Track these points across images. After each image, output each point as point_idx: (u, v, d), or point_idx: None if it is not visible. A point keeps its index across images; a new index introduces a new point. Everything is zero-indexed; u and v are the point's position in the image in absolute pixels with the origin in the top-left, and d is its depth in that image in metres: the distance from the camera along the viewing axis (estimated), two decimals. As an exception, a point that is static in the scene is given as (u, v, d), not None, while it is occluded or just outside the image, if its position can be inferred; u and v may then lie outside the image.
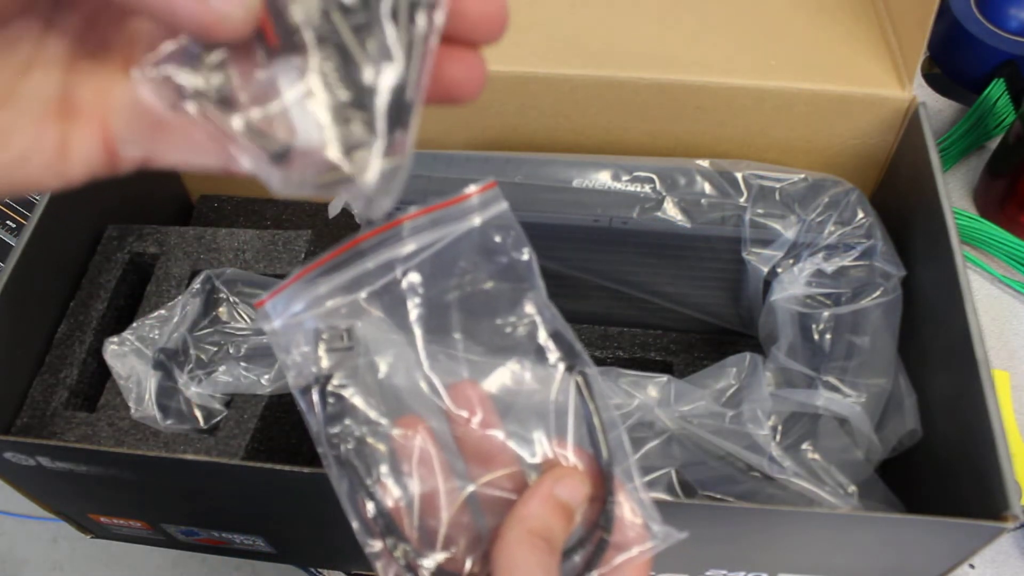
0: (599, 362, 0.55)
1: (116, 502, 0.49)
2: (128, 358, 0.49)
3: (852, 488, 0.43)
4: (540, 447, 0.29)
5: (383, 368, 0.29)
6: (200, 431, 0.48)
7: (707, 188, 0.48)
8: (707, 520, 0.41)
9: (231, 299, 0.52)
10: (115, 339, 0.50)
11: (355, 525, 0.28)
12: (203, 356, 0.50)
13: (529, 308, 0.30)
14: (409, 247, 0.28)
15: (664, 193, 0.48)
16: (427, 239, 0.29)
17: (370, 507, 0.28)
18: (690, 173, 0.48)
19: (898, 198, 0.52)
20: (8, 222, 0.70)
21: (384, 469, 0.28)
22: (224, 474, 0.42)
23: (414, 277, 0.29)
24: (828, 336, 0.47)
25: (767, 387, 0.45)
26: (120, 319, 0.53)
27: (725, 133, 0.53)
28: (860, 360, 0.45)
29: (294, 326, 0.28)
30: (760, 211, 0.47)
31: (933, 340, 0.46)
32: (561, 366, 0.30)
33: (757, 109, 0.51)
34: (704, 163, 0.49)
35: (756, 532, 0.41)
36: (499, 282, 0.30)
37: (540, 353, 0.30)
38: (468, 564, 0.28)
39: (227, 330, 0.51)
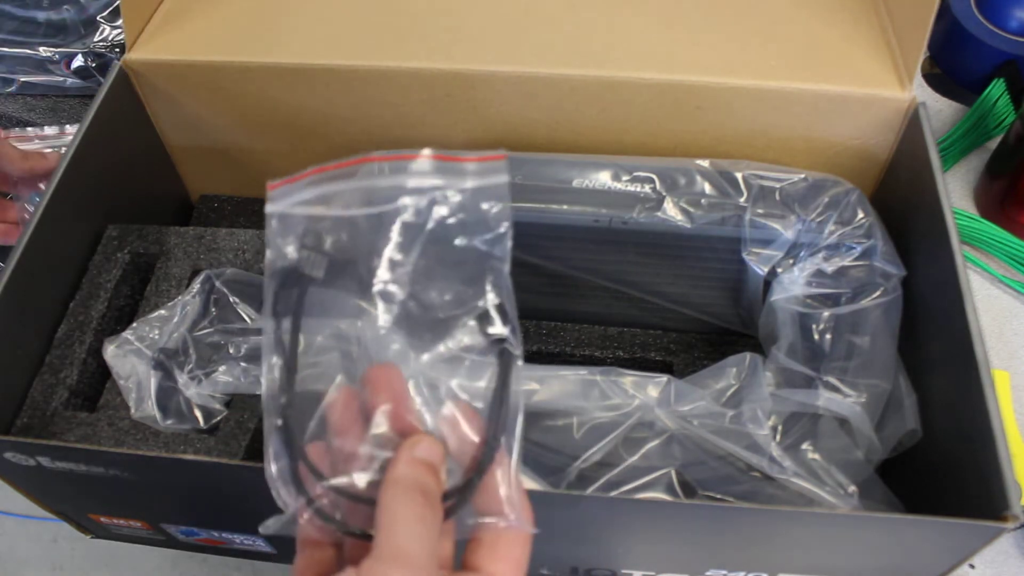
0: (599, 362, 0.55)
1: (116, 502, 0.49)
2: (128, 358, 0.49)
3: (852, 488, 0.43)
4: (444, 408, 0.31)
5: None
6: (200, 431, 0.48)
7: (707, 188, 0.48)
8: (707, 520, 0.41)
9: (231, 299, 0.52)
10: (115, 339, 0.50)
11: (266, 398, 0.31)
12: (203, 356, 0.50)
13: (488, 277, 0.31)
14: (412, 182, 0.30)
15: (664, 193, 0.48)
16: (427, 183, 0.30)
17: (284, 400, 0.30)
18: (690, 173, 0.48)
19: (898, 198, 0.52)
20: (8, 222, 0.70)
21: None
22: (224, 474, 0.42)
23: (407, 211, 0.30)
24: (828, 336, 0.47)
25: (767, 387, 0.45)
26: (120, 319, 0.53)
27: (725, 133, 0.53)
28: (860, 360, 0.45)
29: (288, 216, 0.31)
30: (760, 211, 0.47)
31: (933, 340, 0.46)
32: (493, 339, 0.31)
33: (757, 109, 0.51)
34: (704, 163, 0.49)
35: (756, 532, 0.41)
36: (470, 244, 0.31)
37: (481, 320, 0.32)
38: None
39: (227, 330, 0.51)
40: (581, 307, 0.55)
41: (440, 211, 0.30)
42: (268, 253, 0.31)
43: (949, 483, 0.43)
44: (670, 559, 0.45)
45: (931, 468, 0.45)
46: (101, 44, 0.74)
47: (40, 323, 0.50)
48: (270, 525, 0.31)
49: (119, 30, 0.75)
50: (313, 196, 0.30)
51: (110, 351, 0.49)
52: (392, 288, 0.31)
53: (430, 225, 0.31)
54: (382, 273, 0.31)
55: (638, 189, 0.48)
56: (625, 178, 0.48)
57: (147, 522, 0.51)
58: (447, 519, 0.30)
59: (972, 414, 0.40)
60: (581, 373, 0.46)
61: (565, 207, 0.48)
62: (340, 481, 0.30)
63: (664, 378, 0.46)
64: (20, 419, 0.48)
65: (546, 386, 0.46)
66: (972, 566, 0.54)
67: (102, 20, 0.76)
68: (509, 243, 0.31)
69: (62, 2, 0.76)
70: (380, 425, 0.30)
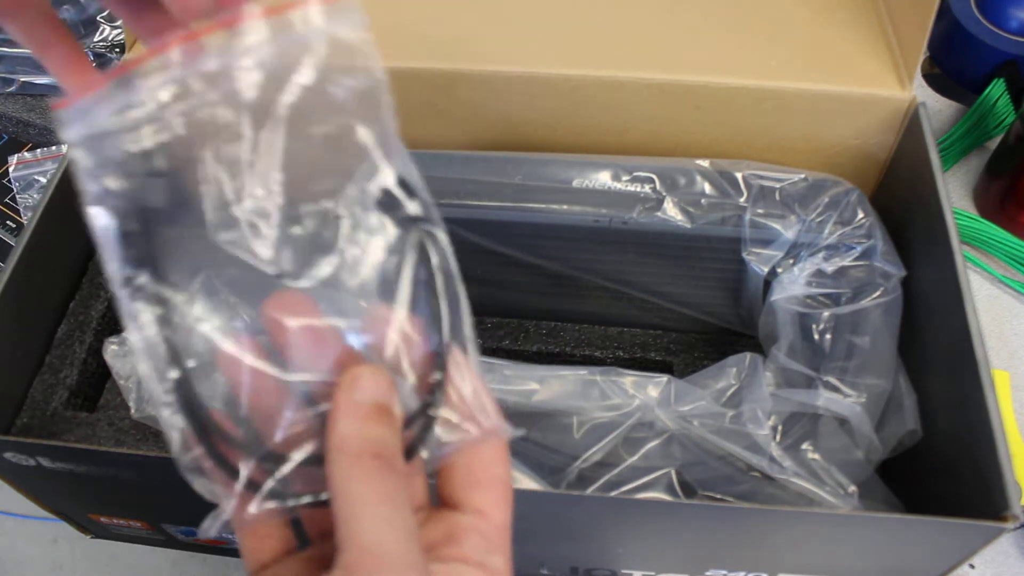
0: (599, 362, 0.55)
1: (116, 502, 0.49)
2: (128, 358, 0.49)
3: (852, 488, 0.43)
4: (370, 321, 0.25)
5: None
6: (200, 431, 0.48)
7: (707, 188, 0.48)
8: (707, 520, 0.41)
9: (231, 299, 0.52)
10: (115, 339, 0.50)
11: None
12: (203, 356, 0.50)
13: (375, 150, 0.25)
14: (247, 58, 0.23)
15: (664, 193, 0.48)
16: (265, 52, 0.23)
17: (173, 373, 0.24)
18: (690, 173, 0.48)
19: (898, 198, 0.52)
20: (8, 222, 0.70)
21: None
22: (224, 474, 0.42)
23: (251, 93, 0.24)
24: (828, 336, 0.47)
25: (767, 387, 0.45)
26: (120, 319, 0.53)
27: (725, 133, 0.53)
28: (860, 360, 0.45)
29: (100, 136, 0.23)
30: (760, 211, 0.47)
31: (933, 340, 0.46)
32: (402, 221, 0.26)
33: (757, 109, 0.51)
34: (704, 163, 0.49)
35: (756, 532, 0.41)
36: (343, 114, 0.25)
37: (383, 205, 0.25)
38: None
39: (227, 330, 0.51)
40: (581, 307, 0.55)
41: (294, 83, 0.24)
42: (86, 194, 0.24)
43: (949, 483, 0.43)
44: (670, 559, 0.45)
45: (931, 468, 0.45)
46: (101, 44, 0.74)
47: (40, 323, 0.50)
48: (208, 527, 0.25)
49: (119, 30, 0.75)
50: (124, 103, 0.23)
51: (110, 351, 0.49)
52: (258, 197, 0.24)
53: (285, 102, 0.24)
54: (239, 183, 0.24)
55: (638, 189, 0.48)
56: (625, 178, 0.48)
57: (147, 522, 0.51)
58: (411, 460, 0.24)
59: (972, 414, 0.40)
60: (581, 373, 0.46)
61: (565, 207, 0.48)
62: (277, 449, 0.24)
63: (664, 378, 0.46)
64: (20, 419, 0.48)
65: (546, 386, 0.46)
66: (972, 566, 0.54)
67: (102, 20, 0.76)
68: (388, 94, 0.25)
69: (62, 2, 0.76)
70: (300, 364, 0.24)
